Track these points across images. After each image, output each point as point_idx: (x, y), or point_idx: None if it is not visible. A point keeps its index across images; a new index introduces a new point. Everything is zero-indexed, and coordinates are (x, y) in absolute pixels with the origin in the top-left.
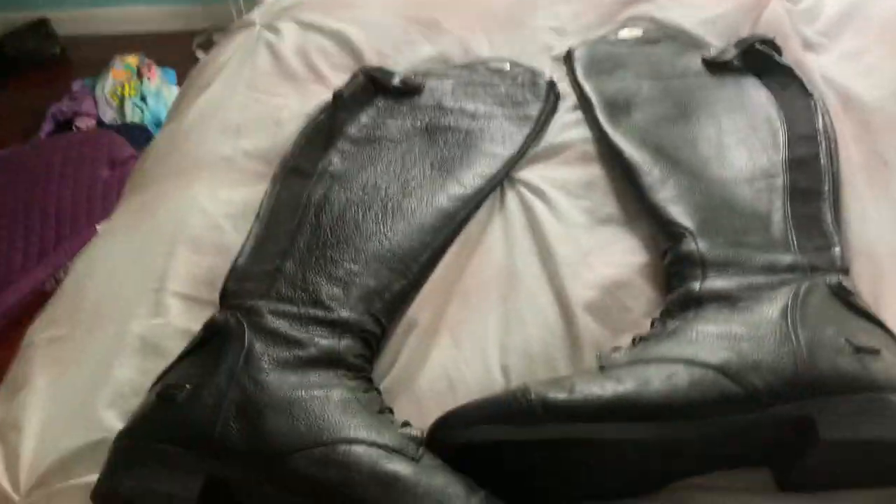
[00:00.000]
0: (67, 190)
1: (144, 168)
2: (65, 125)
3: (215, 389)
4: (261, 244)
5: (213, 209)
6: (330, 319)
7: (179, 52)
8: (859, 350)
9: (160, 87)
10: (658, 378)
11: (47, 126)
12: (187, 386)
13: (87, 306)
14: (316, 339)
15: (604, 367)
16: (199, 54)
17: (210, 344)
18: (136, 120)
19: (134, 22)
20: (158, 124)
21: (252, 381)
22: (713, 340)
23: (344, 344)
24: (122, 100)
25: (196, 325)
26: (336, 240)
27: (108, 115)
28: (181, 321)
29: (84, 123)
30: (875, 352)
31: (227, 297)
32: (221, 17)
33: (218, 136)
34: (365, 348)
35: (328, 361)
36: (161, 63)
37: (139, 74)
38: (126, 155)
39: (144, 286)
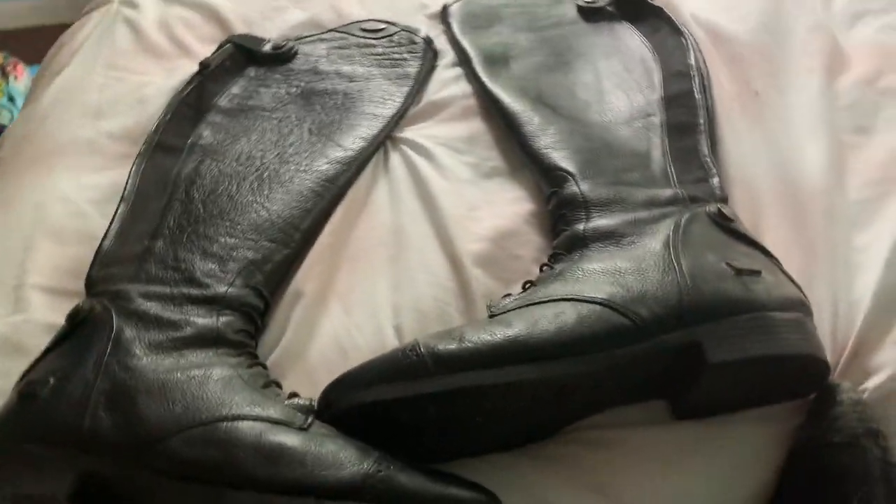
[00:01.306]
0: None
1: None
2: None
3: (81, 381)
4: (127, 226)
5: (76, 196)
6: (206, 297)
7: (47, 48)
8: (740, 272)
9: (28, 86)
10: (546, 318)
11: None
12: (51, 380)
13: None
14: (192, 319)
15: (494, 315)
16: None
17: (75, 334)
18: (5, 122)
19: None
20: None
21: (122, 367)
22: (598, 276)
23: (223, 321)
24: None
25: (62, 319)
26: (209, 214)
27: None
28: (45, 315)
29: None
30: (755, 273)
31: (93, 284)
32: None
33: (77, 119)
34: (247, 323)
35: (206, 340)
36: (28, 60)
37: (4, 73)
38: None
39: (2, 283)
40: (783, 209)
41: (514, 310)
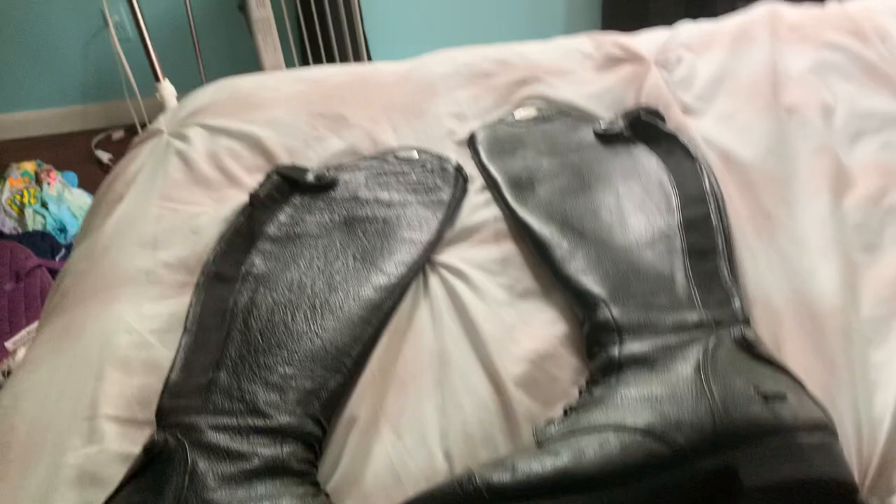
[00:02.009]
0: None
1: (62, 289)
2: None
3: None
4: (191, 357)
5: (139, 326)
6: (270, 427)
7: (78, 153)
8: (767, 397)
9: (61, 192)
10: (591, 447)
11: None
12: None
13: (17, 444)
14: (258, 450)
15: (540, 443)
16: (99, 154)
17: (152, 467)
18: (38, 227)
19: (29, 127)
20: (62, 230)
21: (200, 500)
22: (636, 404)
23: (287, 450)
24: (21, 208)
25: (134, 448)
26: (267, 344)
27: (8, 226)
28: (118, 446)
29: None
30: (781, 396)
31: (163, 415)
32: (118, 114)
33: (136, 249)
34: (308, 452)
35: (273, 471)
36: (60, 165)
37: (38, 180)
38: (30, 265)
39: (76, 414)
40: (802, 328)
41: (560, 438)
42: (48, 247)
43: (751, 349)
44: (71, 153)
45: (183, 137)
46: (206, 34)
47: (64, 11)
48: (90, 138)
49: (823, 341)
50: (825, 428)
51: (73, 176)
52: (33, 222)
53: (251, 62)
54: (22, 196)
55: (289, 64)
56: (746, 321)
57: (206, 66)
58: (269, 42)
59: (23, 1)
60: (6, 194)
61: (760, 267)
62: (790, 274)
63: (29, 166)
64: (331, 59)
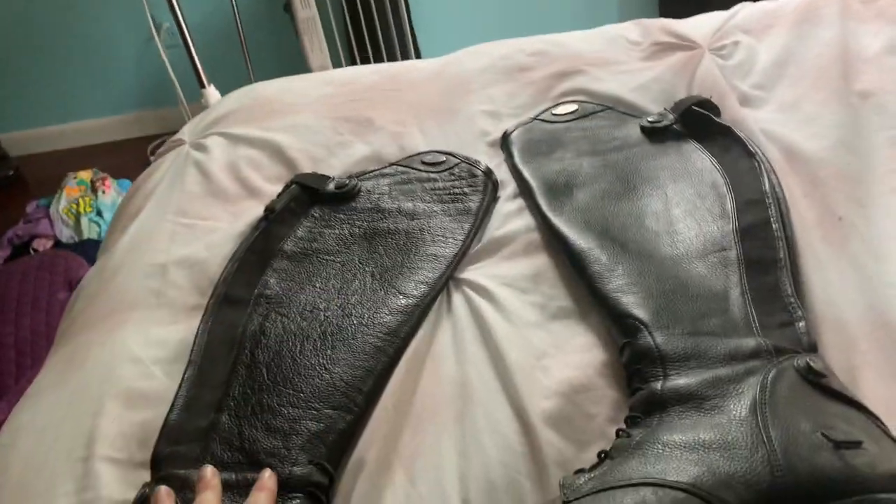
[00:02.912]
0: (26, 318)
1: (73, 313)
2: (22, 249)
3: None
4: (194, 393)
5: (144, 354)
6: None
7: (134, 161)
8: (839, 444)
9: (116, 200)
10: None
11: (3, 252)
12: None
13: (8, 487)
14: None
15: (568, 501)
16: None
17: None
18: (94, 236)
19: (86, 135)
20: None
21: None
22: (681, 453)
23: None
24: (77, 217)
25: (131, 493)
26: (272, 381)
27: (65, 234)
28: (113, 491)
29: (41, 245)
30: (856, 444)
31: (159, 464)
32: (173, 120)
33: (147, 269)
34: None
35: None
36: (116, 173)
37: (94, 189)
38: (83, 273)
39: (71, 454)
40: (883, 355)
41: (590, 495)
42: None
43: (818, 382)
44: (127, 160)
45: (202, 147)
46: (253, 35)
47: (116, 20)
48: (146, 145)
49: None
50: None
51: (127, 184)
52: (89, 231)
53: (299, 63)
54: (77, 205)
55: (336, 64)
56: (813, 347)
57: (255, 67)
58: (315, 42)
59: (75, 11)
60: (63, 203)
61: (830, 280)
62: (866, 289)
63: (85, 175)
64: (378, 59)
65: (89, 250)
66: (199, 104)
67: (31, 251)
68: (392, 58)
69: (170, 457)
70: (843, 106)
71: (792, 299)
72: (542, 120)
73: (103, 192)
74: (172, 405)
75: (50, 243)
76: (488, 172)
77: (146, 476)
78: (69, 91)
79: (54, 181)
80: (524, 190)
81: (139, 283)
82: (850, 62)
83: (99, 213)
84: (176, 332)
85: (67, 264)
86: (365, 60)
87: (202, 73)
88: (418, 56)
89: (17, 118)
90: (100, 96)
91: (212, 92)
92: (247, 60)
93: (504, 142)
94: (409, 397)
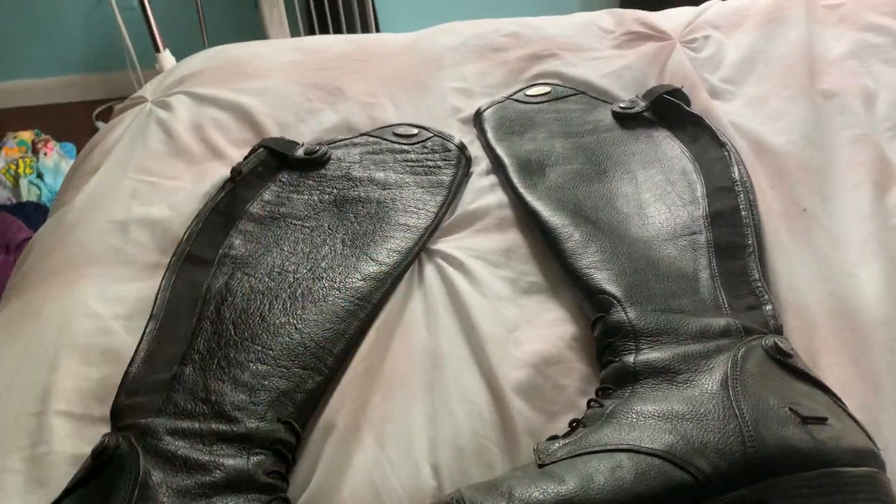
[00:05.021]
0: None
1: (26, 266)
2: None
3: None
4: (155, 347)
5: (103, 310)
6: (236, 433)
7: (79, 125)
8: (806, 419)
9: (58, 163)
10: (602, 473)
11: None
12: None
13: None
14: (221, 460)
15: (543, 464)
16: (100, 125)
17: (100, 475)
18: (33, 198)
19: (28, 95)
20: None
21: None
22: (655, 422)
23: (254, 461)
24: (16, 178)
25: (88, 448)
26: (240, 337)
27: (2, 196)
28: (69, 446)
29: None
30: (822, 420)
31: (119, 414)
32: (122, 86)
33: (106, 226)
34: (278, 462)
35: (237, 485)
36: (60, 136)
37: (34, 150)
38: (22, 237)
39: (24, 409)
40: (841, 339)
41: (565, 459)
42: (42, 218)
43: (784, 361)
44: (71, 124)
45: (166, 106)
46: (211, 5)
47: None
48: (91, 109)
49: (866, 355)
50: (871, 457)
51: (71, 147)
52: (28, 193)
53: (256, 34)
54: (17, 166)
55: (295, 37)
56: (779, 330)
57: (210, 37)
58: (274, 14)
59: None
60: (0, 164)
61: (793, 268)
62: (827, 277)
63: (26, 135)
64: (338, 33)
65: (28, 213)
66: (152, 70)
67: None
68: (352, 32)
69: (130, 407)
70: (808, 103)
71: (759, 284)
72: (516, 100)
73: (45, 154)
74: (133, 358)
75: None
76: (462, 147)
77: (104, 431)
78: (11, 47)
79: None
80: (497, 167)
81: (98, 239)
82: (814, 63)
83: (39, 176)
84: (136, 290)
85: (5, 226)
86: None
87: (157, 37)
88: (378, 31)
89: None
90: (44, 55)
91: (167, 56)
92: (202, 28)
93: (477, 119)
94: (380, 363)
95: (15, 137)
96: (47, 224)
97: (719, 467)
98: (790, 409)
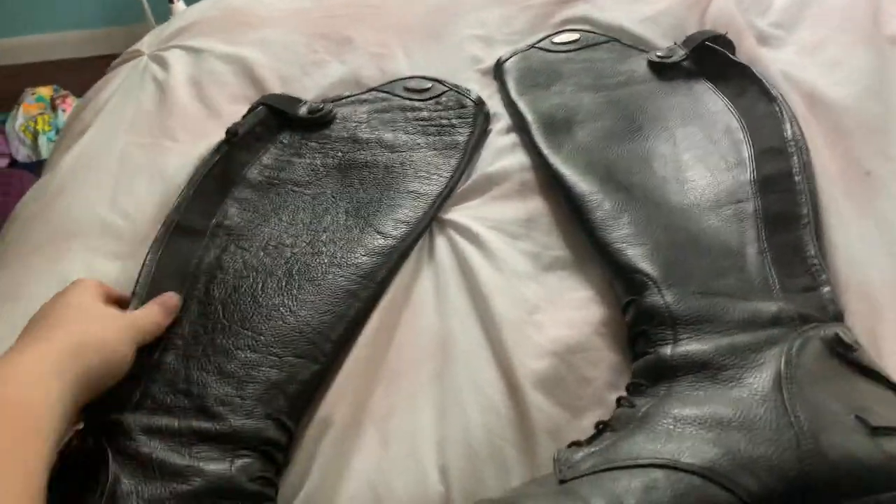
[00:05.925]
0: None
1: (8, 239)
2: None
3: None
4: None
5: None
6: (220, 432)
7: (97, 80)
8: (876, 431)
9: None
10: (633, 494)
11: None
12: None
13: None
14: (201, 465)
15: (564, 480)
16: None
17: (65, 478)
18: None
19: (47, 49)
20: None
21: None
22: (695, 431)
23: (238, 465)
24: (35, 135)
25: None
26: (229, 320)
27: (22, 153)
28: None
29: None
30: (894, 431)
31: (90, 406)
32: (141, 38)
33: (93, 193)
34: (266, 466)
35: (218, 492)
36: (78, 91)
37: (53, 106)
38: None
39: None
40: None
41: (590, 475)
42: None
43: (848, 357)
44: (90, 79)
45: (162, 61)
46: None
47: None
48: (109, 64)
49: None
50: None
51: None
52: (47, 150)
53: None
54: (36, 122)
55: None
56: (839, 316)
57: None
58: None
59: None
60: (20, 120)
61: (854, 241)
62: (894, 251)
63: (44, 91)
64: None
65: None
66: (168, 22)
67: None
68: None
69: (102, 399)
70: (872, 51)
71: (816, 261)
72: (541, 48)
73: (63, 110)
74: None
75: (5, 162)
76: (479, 102)
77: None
78: (27, 3)
79: (11, 97)
80: (519, 124)
81: (84, 208)
82: (880, 5)
83: (58, 132)
84: (122, 266)
85: (23, 183)
86: None
87: None
88: None
89: None
90: (63, 8)
91: (180, 7)
92: None
93: (498, 70)
94: (384, 350)
95: (34, 94)
96: (31, 191)
97: (770, 486)
98: (856, 416)
